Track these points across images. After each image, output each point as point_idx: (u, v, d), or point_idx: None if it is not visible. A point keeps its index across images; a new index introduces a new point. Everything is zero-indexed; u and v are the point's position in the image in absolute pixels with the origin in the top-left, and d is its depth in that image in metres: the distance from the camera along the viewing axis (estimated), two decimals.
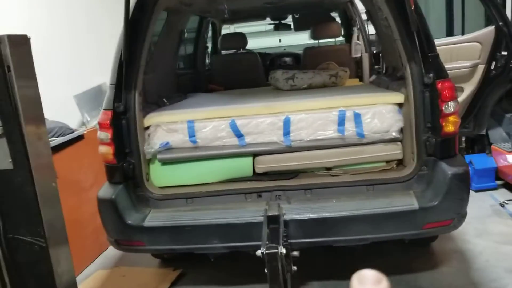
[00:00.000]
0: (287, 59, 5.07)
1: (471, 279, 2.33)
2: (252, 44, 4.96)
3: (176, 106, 2.61)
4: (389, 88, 2.47)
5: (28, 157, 1.03)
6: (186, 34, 3.46)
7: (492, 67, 3.41)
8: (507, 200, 3.22)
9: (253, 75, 3.97)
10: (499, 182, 3.49)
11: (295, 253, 1.89)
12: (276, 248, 1.65)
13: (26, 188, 1.05)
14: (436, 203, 1.92)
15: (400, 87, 2.25)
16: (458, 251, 2.64)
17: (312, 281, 2.40)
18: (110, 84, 2.15)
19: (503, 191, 3.43)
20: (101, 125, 2.12)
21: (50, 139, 2.72)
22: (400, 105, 2.21)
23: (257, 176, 2.27)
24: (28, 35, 1.08)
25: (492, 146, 3.55)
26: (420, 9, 2.09)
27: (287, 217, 1.92)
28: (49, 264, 1.08)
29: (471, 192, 3.39)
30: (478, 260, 2.51)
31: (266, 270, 1.67)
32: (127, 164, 2.14)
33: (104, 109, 2.13)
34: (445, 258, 2.58)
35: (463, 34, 3.60)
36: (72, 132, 2.93)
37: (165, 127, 2.24)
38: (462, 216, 1.98)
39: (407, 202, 1.97)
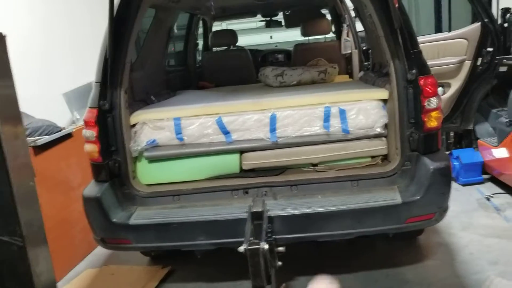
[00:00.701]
0: (278, 55, 5.06)
1: (455, 271, 2.37)
2: (244, 41, 4.95)
3: (163, 103, 2.61)
4: (375, 85, 2.49)
5: (4, 156, 1.03)
6: (176, 31, 3.44)
7: (478, 63, 3.45)
8: (492, 194, 3.27)
9: (244, 72, 3.97)
10: (485, 176, 3.53)
11: (281, 248, 1.91)
12: (258, 244, 1.66)
13: (2, 187, 1.05)
14: (418, 197, 1.94)
15: (385, 83, 2.27)
16: (443, 244, 2.68)
17: (300, 276, 2.42)
18: (96, 82, 2.14)
19: (489, 185, 3.48)
20: (86, 123, 2.12)
21: (37, 138, 2.71)
22: (384, 101, 2.23)
23: (244, 172, 2.28)
24: (4, 33, 1.06)
25: (479, 141, 3.59)
26: (403, 7, 2.11)
27: (272, 213, 1.94)
28: (27, 263, 1.08)
29: (459, 186, 3.50)
30: (462, 252, 2.55)
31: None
32: (113, 162, 2.14)
33: (90, 107, 2.13)
34: (430, 251, 2.62)
35: (450, 30, 3.61)
36: (60, 131, 2.92)
37: (152, 125, 2.24)
38: (443, 210, 2.01)
39: (391, 196, 1.99)
